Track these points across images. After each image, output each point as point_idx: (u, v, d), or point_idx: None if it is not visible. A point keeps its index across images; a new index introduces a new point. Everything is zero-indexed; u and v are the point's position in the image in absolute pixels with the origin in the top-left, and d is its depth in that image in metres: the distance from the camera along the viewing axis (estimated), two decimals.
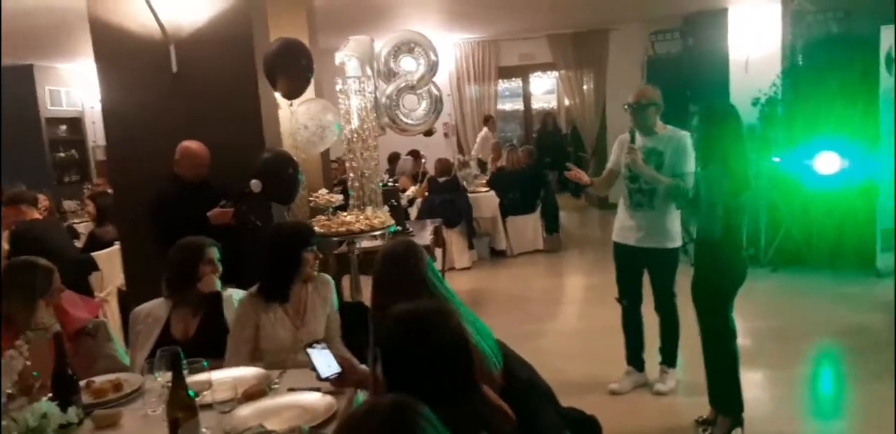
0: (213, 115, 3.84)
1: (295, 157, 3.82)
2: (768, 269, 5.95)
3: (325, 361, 2.06)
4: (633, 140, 3.47)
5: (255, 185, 3.48)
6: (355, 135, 4.24)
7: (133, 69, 3.89)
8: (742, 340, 3.20)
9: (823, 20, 5.79)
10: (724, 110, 3.08)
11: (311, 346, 2.11)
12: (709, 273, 3.11)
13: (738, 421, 3.12)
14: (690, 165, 3.39)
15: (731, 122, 3.02)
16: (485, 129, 9.70)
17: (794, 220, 5.94)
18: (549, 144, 11.05)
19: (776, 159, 6.15)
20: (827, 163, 5.73)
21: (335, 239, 4.01)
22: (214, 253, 2.72)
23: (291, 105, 3.93)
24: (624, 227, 3.67)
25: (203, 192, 3.59)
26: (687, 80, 7.41)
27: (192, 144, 3.64)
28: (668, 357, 3.71)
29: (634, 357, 3.81)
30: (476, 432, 1.46)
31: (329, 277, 2.80)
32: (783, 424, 3.29)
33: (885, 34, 5.12)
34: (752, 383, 3.64)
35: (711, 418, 3.23)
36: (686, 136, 3.45)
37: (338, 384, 2.08)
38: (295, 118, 3.91)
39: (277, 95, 3.95)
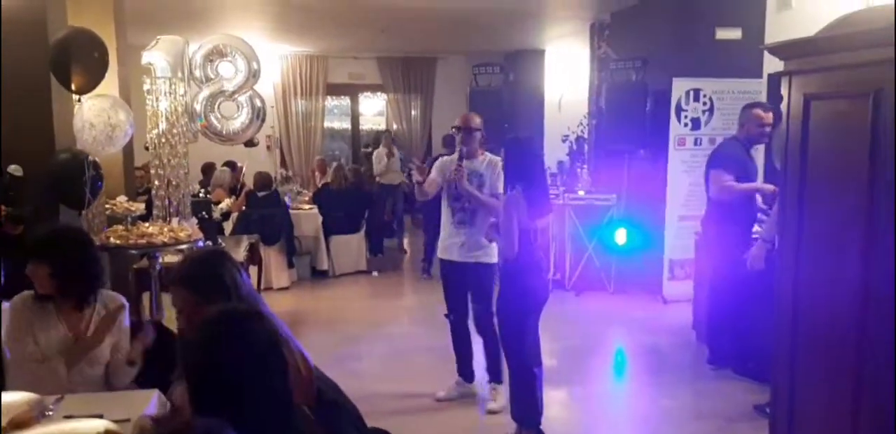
0: None
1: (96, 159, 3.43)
2: (572, 294, 6.36)
3: None
4: (460, 159, 3.67)
5: (15, 169, 3.09)
6: (163, 139, 3.92)
7: None
8: (547, 360, 3.35)
9: (624, 68, 6.39)
10: (526, 142, 3.48)
11: None
12: (510, 292, 3.28)
13: None
14: (501, 187, 3.63)
15: (531, 153, 3.41)
16: (381, 147, 9.13)
17: (595, 249, 6.44)
18: None
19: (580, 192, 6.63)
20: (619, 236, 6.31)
21: (134, 252, 3.64)
22: None
23: (80, 101, 3.53)
24: (448, 243, 3.86)
25: None
26: (506, 113, 7.83)
27: None
28: (493, 374, 3.84)
29: (463, 368, 3.94)
30: None
31: (120, 298, 2.51)
32: None
33: (676, 85, 5.77)
34: (555, 400, 3.83)
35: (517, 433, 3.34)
36: (499, 160, 3.70)
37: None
38: (80, 115, 3.51)
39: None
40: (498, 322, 3.38)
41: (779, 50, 2.00)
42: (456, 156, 3.73)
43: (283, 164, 9.74)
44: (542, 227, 3.47)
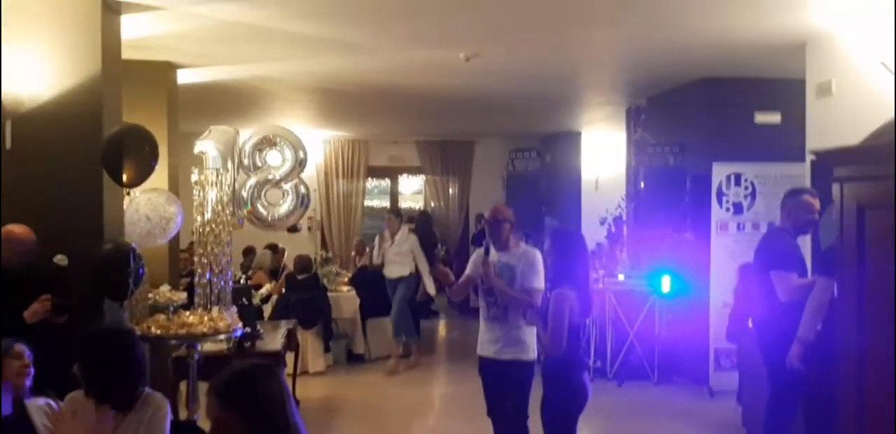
0: (47, 197, 3.48)
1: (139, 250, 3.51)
2: (614, 383, 6.10)
3: None
4: (486, 253, 3.58)
5: (61, 259, 3.15)
6: (207, 228, 4.00)
7: None
8: None
9: (662, 152, 6.41)
10: (574, 235, 3.42)
11: None
12: (556, 392, 3.17)
13: None
14: (539, 282, 3.54)
15: (579, 247, 3.32)
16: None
17: (637, 335, 6.22)
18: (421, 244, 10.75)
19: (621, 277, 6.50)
20: (665, 284, 6.14)
21: (173, 342, 3.64)
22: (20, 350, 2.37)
23: (128, 194, 3.66)
24: (484, 339, 3.71)
25: (26, 283, 3.19)
26: (543, 196, 7.87)
27: (15, 228, 3.26)
28: None
29: None
30: None
31: (161, 398, 2.48)
32: None
33: (717, 170, 5.75)
34: None
35: None
36: (537, 254, 3.62)
37: None
38: (135, 208, 3.62)
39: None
40: (543, 423, 3.19)
41: (827, 157, 1.97)
42: (482, 249, 3.63)
43: (324, 244, 9.84)
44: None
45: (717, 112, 5.91)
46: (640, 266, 6.70)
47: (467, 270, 3.80)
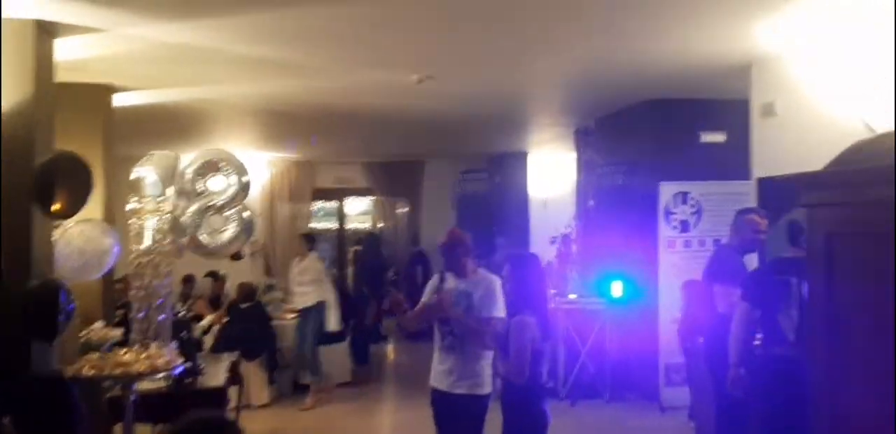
0: None
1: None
2: (567, 403, 6.04)
3: None
4: (442, 281, 3.48)
5: None
6: (145, 258, 3.77)
7: None
8: None
9: (610, 172, 6.47)
10: (530, 260, 3.35)
11: None
12: (519, 420, 3.09)
13: None
14: (499, 310, 3.41)
15: (537, 272, 3.28)
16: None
17: (589, 354, 6.21)
18: (370, 268, 10.10)
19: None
20: (615, 289, 6.18)
21: (108, 383, 3.39)
22: None
23: (60, 225, 3.41)
24: (437, 370, 3.53)
25: None
26: (494, 216, 7.83)
27: None
28: None
29: None
30: None
31: None
32: None
33: (664, 189, 5.81)
34: None
35: None
36: (495, 281, 3.48)
37: None
38: (66, 241, 3.38)
39: None
40: None
41: (796, 181, 1.96)
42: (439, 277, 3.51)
43: (268, 271, 9.54)
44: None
45: (663, 132, 5.99)
46: (590, 284, 6.71)
47: (423, 298, 3.65)
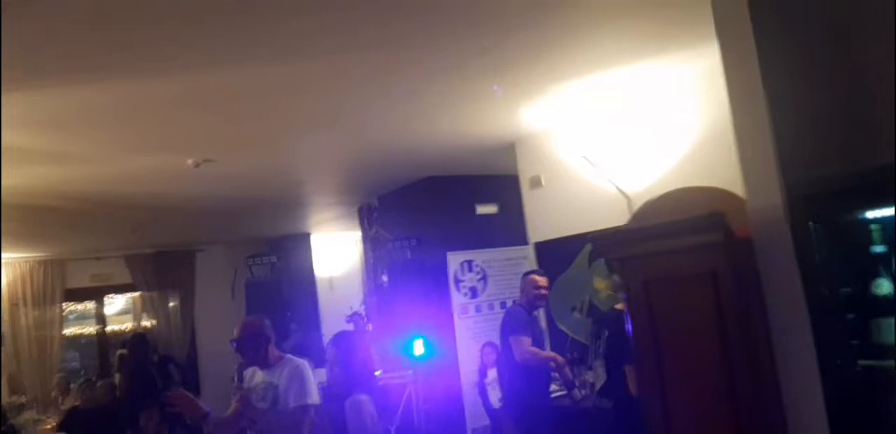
0: None
1: None
2: None
3: None
4: (241, 380, 3.33)
5: None
6: None
7: None
8: None
9: (399, 247, 6.68)
10: (357, 337, 3.44)
11: None
12: None
13: None
14: (311, 395, 3.22)
15: (363, 351, 3.19)
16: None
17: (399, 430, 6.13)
18: (139, 374, 9.31)
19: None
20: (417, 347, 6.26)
21: None
22: None
23: None
24: None
25: None
26: (285, 301, 7.58)
27: None
28: None
29: None
30: None
31: None
32: None
33: (451, 259, 6.14)
34: None
35: None
36: (301, 364, 3.32)
37: None
38: None
39: None
40: None
41: (605, 238, 2.23)
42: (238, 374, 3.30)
43: (15, 388, 8.08)
44: None
45: (443, 206, 6.41)
46: (391, 358, 6.71)
47: (233, 404, 3.32)
